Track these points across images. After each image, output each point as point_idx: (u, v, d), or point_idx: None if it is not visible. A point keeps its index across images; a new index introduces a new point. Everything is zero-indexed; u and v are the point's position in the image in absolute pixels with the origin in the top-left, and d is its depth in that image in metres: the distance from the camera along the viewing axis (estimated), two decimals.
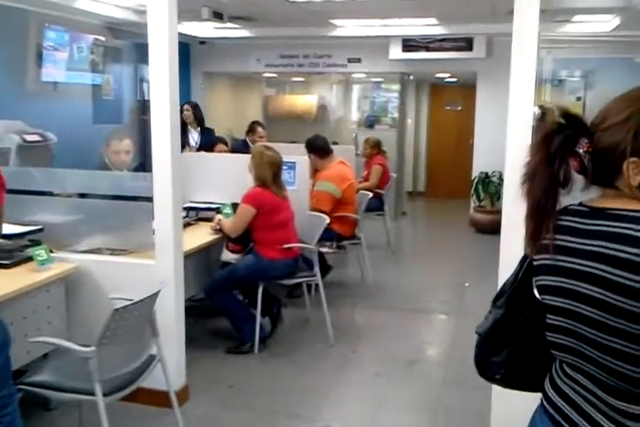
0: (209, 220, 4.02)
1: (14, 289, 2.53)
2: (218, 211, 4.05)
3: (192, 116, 6.01)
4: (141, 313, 2.35)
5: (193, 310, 3.77)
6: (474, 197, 7.61)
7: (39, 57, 5.41)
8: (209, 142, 5.69)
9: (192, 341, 3.31)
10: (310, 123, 9.47)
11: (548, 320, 1.12)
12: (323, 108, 9.82)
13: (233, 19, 6.35)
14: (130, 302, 2.24)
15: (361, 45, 7.66)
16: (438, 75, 8.97)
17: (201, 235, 3.79)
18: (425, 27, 6.87)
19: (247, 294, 3.93)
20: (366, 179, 6.43)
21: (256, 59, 8.12)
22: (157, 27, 2.78)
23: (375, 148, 6.64)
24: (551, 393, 1.14)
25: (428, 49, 7.32)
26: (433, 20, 6.60)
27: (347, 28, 6.99)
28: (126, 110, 6.78)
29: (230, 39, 7.62)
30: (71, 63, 5.76)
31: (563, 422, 1.09)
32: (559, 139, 1.06)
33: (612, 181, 1.07)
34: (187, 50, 7.92)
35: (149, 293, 2.37)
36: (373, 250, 5.57)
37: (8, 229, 2.81)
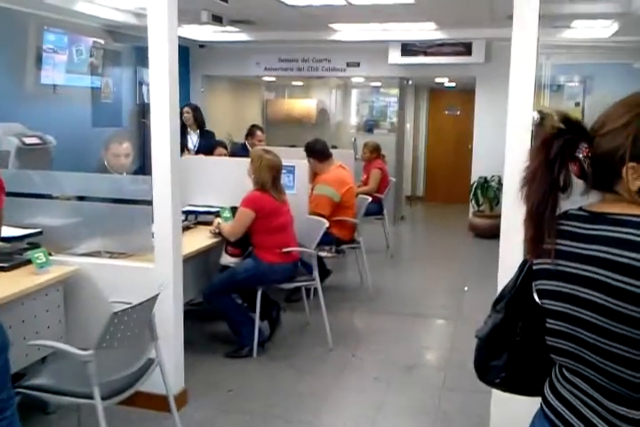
0: (208, 223, 4.02)
1: (13, 292, 2.52)
2: (217, 214, 4.05)
3: (192, 119, 6.01)
4: (140, 317, 2.35)
5: (192, 314, 3.77)
6: (473, 201, 7.62)
7: (38, 59, 5.42)
8: (209, 145, 5.69)
9: (190, 345, 3.30)
10: (309, 127, 9.48)
11: (547, 325, 1.12)
12: (322, 112, 9.83)
13: (232, 22, 6.36)
14: (129, 306, 2.24)
15: (360, 50, 7.68)
16: (437, 79, 8.99)
17: (200, 238, 3.79)
18: (424, 31, 6.89)
19: (246, 297, 3.93)
20: (365, 183, 6.44)
21: (255, 62, 8.13)
22: (157, 30, 2.78)
23: (374, 152, 6.65)
24: (551, 398, 1.15)
25: (426, 54, 7.34)
26: (432, 25, 6.63)
27: (346, 32, 7.01)
28: (126, 113, 6.79)
29: (230, 43, 7.64)
30: (70, 66, 5.77)
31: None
32: (559, 143, 1.07)
33: (612, 185, 1.07)
34: (186, 53, 7.94)
35: (148, 296, 2.37)
36: (372, 254, 5.57)
37: (7, 231, 2.81)
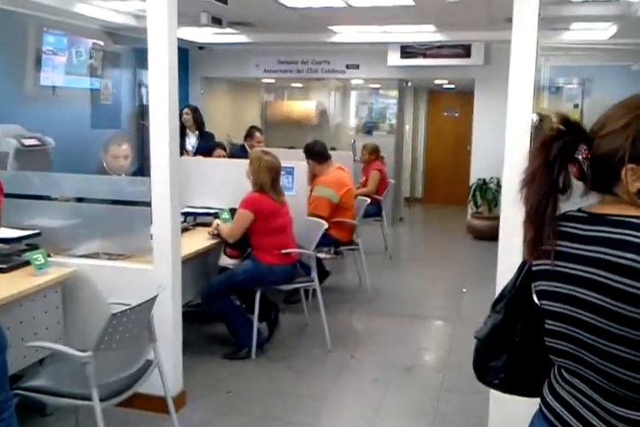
0: (207, 225, 4.02)
1: (11, 293, 2.52)
2: (216, 216, 4.05)
3: (191, 120, 6.01)
4: (139, 318, 2.34)
5: (190, 316, 3.76)
6: (471, 203, 7.62)
7: (38, 61, 5.42)
8: (207, 147, 5.68)
9: (189, 346, 3.30)
10: (308, 128, 9.48)
11: (546, 325, 1.13)
12: (321, 113, 9.84)
13: (232, 24, 6.36)
14: (127, 307, 2.24)
15: (359, 52, 7.69)
16: (436, 81, 9.00)
17: (199, 240, 3.79)
18: (423, 33, 6.90)
19: (244, 299, 3.92)
20: (364, 185, 6.44)
21: (255, 64, 8.14)
22: (157, 32, 2.78)
23: (373, 153, 6.66)
24: (549, 398, 1.15)
25: (425, 56, 7.35)
26: (431, 27, 6.64)
27: (345, 34, 7.02)
28: (125, 115, 6.79)
29: (229, 45, 7.64)
30: (70, 67, 5.77)
31: None
32: (558, 145, 1.07)
33: (611, 187, 1.08)
34: (185, 55, 7.94)
35: (147, 298, 2.37)
36: (371, 256, 5.57)
37: (5, 233, 2.82)
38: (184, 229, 3.70)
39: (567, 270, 1.07)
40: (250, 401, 3.17)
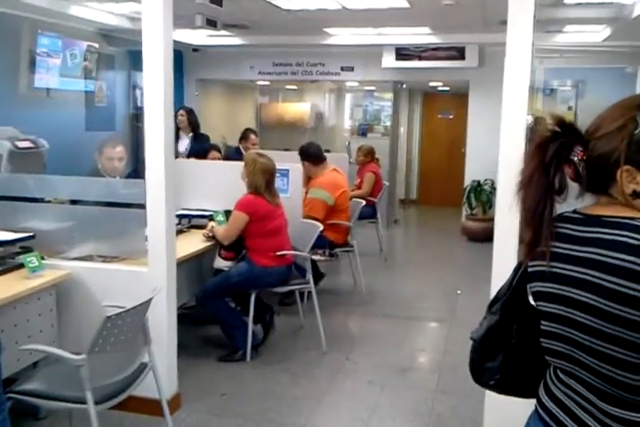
0: (202, 227, 4.01)
1: (5, 296, 2.51)
2: (211, 218, 4.04)
3: (186, 122, 5.99)
4: (134, 321, 2.33)
5: (185, 318, 3.76)
6: (466, 205, 7.64)
7: (32, 63, 5.41)
8: (201, 149, 5.67)
9: (184, 348, 3.29)
10: (303, 130, 9.49)
11: (542, 326, 1.13)
12: (316, 115, 9.85)
13: (227, 26, 6.37)
14: (122, 310, 2.23)
15: (354, 54, 7.71)
16: (431, 83, 9.02)
17: (193, 242, 3.78)
18: (418, 36, 6.93)
19: (239, 301, 3.92)
20: (359, 187, 6.45)
21: (250, 66, 8.14)
22: (152, 34, 2.78)
23: (368, 155, 6.67)
24: (545, 399, 1.15)
25: (420, 58, 7.37)
26: (426, 30, 6.66)
27: (340, 36, 7.03)
28: (119, 117, 6.78)
29: (224, 47, 7.64)
30: (64, 70, 5.76)
31: None
32: (554, 146, 1.07)
33: (606, 188, 1.08)
34: (180, 57, 7.94)
35: (141, 300, 2.36)
36: (366, 257, 5.57)
37: None
38: (179, 232, 3.70)
39: (563, 271, 1.07)
40: (245, 404, 3.16)
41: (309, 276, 3.85)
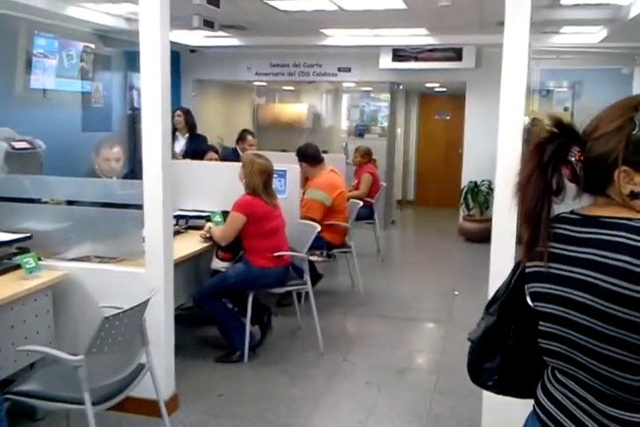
0: (199, 228, 4.01)
1: (2, 297, 2.50)
2: (208, 219, 4.04)
3: (183, 122, 5.96)
4: (131, 321, 2.33)
5: (182, 319, 3.75)
6: (463, 205, 7.65)
7: (28, 64, 5.39)
8: (198, 150, 5.64)
9: (181, 349, 3.29)
10: (300, 131, 9.49)
11: (540, 327, 1.13)
12: (313, 116, 9.85)
13: (224, 27, 6.37)
14: (120, 311, 2.23)
15: (351, 55, 7.71)
16: (428, 84, 9.03)
17: (191, 243, 3.77)
18: (415, 37, 6.94)
19: (237, 302, 3.91)
20: (356, 187, 6.46)
21: (247, 67, 8.14)
22: (149, 35, 2.78)
23: (365, 156, 6.68)
24: (543, 399, 1.15)
25: (417, 59, 7.38)
26: (423, 31, 6.67)
27: (337, 37, 7.04)
28: (116, 118, 6.77)
29: (221, 48, 7.64)
30: (61, 70, 5.75)
31: None
32: (552, 147, 1.08)
33: (604, 189, 1.08)
34: (177, 58, 7.93)
35: (138, 301, 2.35)
36: (363, 258, 5.58)
37: None
38: (176, 233, 3.69)
39: (560, 272, 1.07)
40: (242, 404, 3.16)
41: (307, 277, 3.85)
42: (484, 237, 5.79)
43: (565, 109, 7.27)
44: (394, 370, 3.63)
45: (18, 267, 2.80)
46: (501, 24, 2.45)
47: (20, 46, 5.34)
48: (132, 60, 6.35)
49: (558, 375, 1.12)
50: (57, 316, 2.90)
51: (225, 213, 3.86)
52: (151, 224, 2.89)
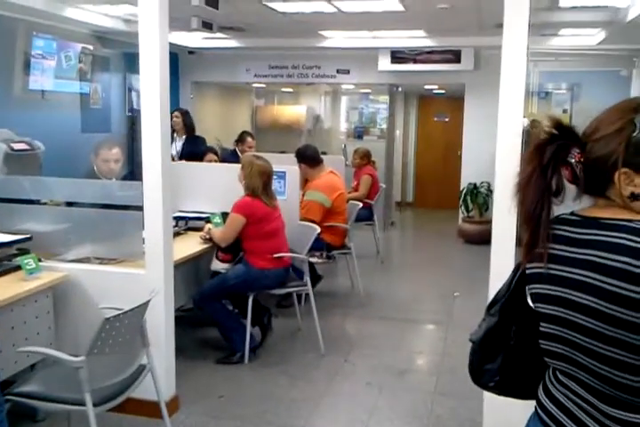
0: (198, 229, 4.01)
1: (2, 298, 2.50)
2: (207, 220, 4.04)
3: (181, 124, 5.95)
4: (132, 323, 2.33)
5: (182, 320, 3.75)
6: (462, 207, 7.66)
7: (27, 65, 5.39)
8: (196, 151, 5.63)
9: (181, 351, 3.29)
10: (299, 133, 9.50)
11: (541, 328, 1.13)
12: (311, 118, 9.86)
13: (222, 29, 6.37)
14: (120, 312, 2.23)
15: (350, 57, 7.72)
16: (426, 86, 9.05)
17: (190, 244, 3.78)
18: (413, 39, 6.94)
19: (237, 303, 3.91)
20: (356, 189, 6.46)
21: (245, 69, 8.14)
22: (148, 36, 2.78)
23: (364, 158, 6.68)
24: (545, 401, 1.15)
25: (416, 61, 7.39)
26: (421, 33, 6.68)
27: (336, 39, 7.04)
28: (115, 119, 6.77)
29: (219, 49, 7.64)
30: (59, 72, 5.75)
31: None
32: (551, 149, 1.08)
33: (604, 190, 1.09)
34: (175, 59, 7.93)
35: (139, 302, 2.36)
36: (363, 260, 5.58)
37: None
38: (176, 234, 3.69)
39: (561, 273, 1.08)
40: (243, 406, 3.16)
41: (307, 278, 3.86)
42: (483, 239, 5.80)
43: (564, 111, 7.28)
44: (394, 371, 3.63)
45: (18, 268, 2.80)
46: (500, 26, 2.46)
47: (19, 47, 5.34)
48: (130, 62, 6.35)
49: (559, 376, 1.13)
50: (57, 317, 2.91)
51: (225, 215, 3.87)
52: (151, 225, 2.89)
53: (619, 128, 1.05)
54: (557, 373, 1.14)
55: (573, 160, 1.09)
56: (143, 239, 2.94)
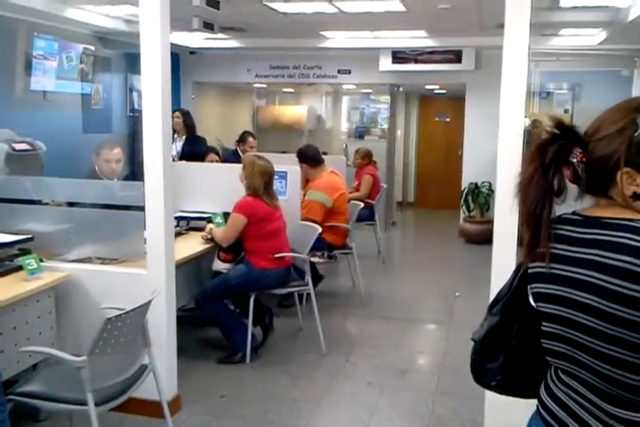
0: (200, 229, 4.01)
1: (4, 299, 2.51)
2: (209, 220, 4.05)
3: (181, 124, 5.95)
4: (133, 322, 2.34)
5: (184, 320, 3.75)
6: (463, 207, 7.66)
7: (28, 66, 5.40)
8: (198, 151, 5.63)
9: (183, 351, 3.29)
10: (300, 133, 9.51)
11: (542, 327, 1.13)
12: (312, 118, 9.86)
13: (224, 29, 6.37)
14: (122, 312, 2.23)
15: (351, 57, 7.72)
16: (427, 86, 9.05)
17: (192, 244, 3.78)
18: (414, 39, 6.95)
19: (238, 303, 3.92)
20: (357, 189, 6.47)
21: (246, 69, 8.15)
22: (150, 37, 2.78)
23: (366, 158, 6.68)
24: (546, 400, 1.15)
25: (417, 61, 7.39)
26: (422, 33, 6.68)
27: (337, 39, 7.05)
28: (116, 119, 6.77)
29: (221, 49, 7.65)
30: (60, 72, 5.76)
31: None
32: (553, 149, 1.08)
33: (606, 190, 1.09)
34: (177, 60, 7.92)
35: (140, 302, 2.36)
36: (364, 260, 5.58)
37: None
38: (177, 234, 3.69)
39: (563, 273, 1.08)
40: (244, 406, 3.16)
41: (308, 278, 3.86)
42: (484, 239, 5.81)
43: (565, 111, 7.28)
44: (396, 371, 3.64)
45: (20, 268, 2.81)
46: (501, 26, 2.46)
47: (20, 48, 5.35)
48: (131, 62, 6.36)
49: (561, 375, 1.13)
50: (59, 317, 2.91)
51: (226, 215, 3.87)
52: (152, 226, 2.90)
53: (621, 128, 1.05)
54: (559, 372, 1.14)
55: (575, 160, 1.09)
56: (145, 239, 2.95)
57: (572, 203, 1.14)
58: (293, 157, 4.98)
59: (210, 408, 3.11)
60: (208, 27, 5.72)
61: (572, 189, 1.13)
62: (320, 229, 4.03)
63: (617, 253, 0.99)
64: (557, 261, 1.09)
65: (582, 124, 1.13)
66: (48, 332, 2.83)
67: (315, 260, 4.59)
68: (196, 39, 7.27)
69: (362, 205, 5.42)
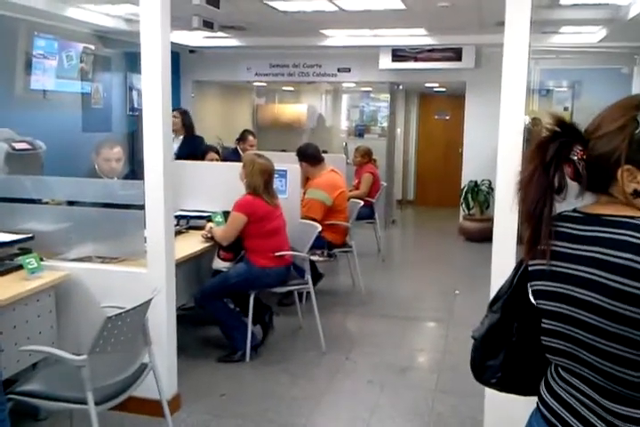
0: (200, 228, 4.01)
1: (5, 298, 2.51)
2: (209, 219, 4.05)
3: (180, 123, 5.88)
4: (133, 321, 2.34)
5: (184, 319, 3.76)
6: (463, 205, 7.66)
7: (28, 65, 5.40)
8: (196, 151, 5.60)
9: (183, 349, 3.29)
10: (300, 132, 9.51)
11: (543, 325, 1.13)
12: (312, 117, 9.86)
13: (223, 28, 6.37)
14: (122, 310, 2.23)
15: (351, 55, 7.72)
16: (427, 84, 9.04)
17: (192, 243, 3.78)
18: (414, 37, 6.95)
19: (238, 302, 3.92)
20: (357, 187, 6.47)
21: (246, 68, 8.15)
22: (150, 36, 2.78)
23: (365, 156, 6.68)
24: (547, 397, 1.15)
25: (417, 59, 7.39)
26: (422, 31, 6.68)
27: (337, 37, 7.05)
28: (116, 118, 6.77)
29: (220, 48, 7.65)
30: (60, 71, 5.75)
31: (559, 426, 1.10)
32: (554, 146, 1.08)
33: (607, 187, 1.09)
34: (177, 58, 7.92)
35: (140, 301, 2.36)
36: (364, 258, 5.59)
37: None
38: (177, 233, 3.69)
39: (564, 270, 1.08)
40: (244, 404, 3.17)
41: (308, 276, 3.86)
42: (484, 237, 5.80)
43: (565, 109, 7.28)
44: (396, 369, 3.64)
45: (20, 267, 2.81)
46: (501, 24, 2.46)
47: (20, 47, 5.34)
48: (131, 61, 6.36)
49: (562, 373, 1.13)
50: (59, 316, 2.91)
51: (226, 214, 3.87)
52: (153, 224, 2.90)
53: (621, 125, 1.05)
54: (559, 369, 1.14)
55: (576, 157, 1.09)
56: (145, 238, 2.95)
57: (572, 200, 1.14)
58: (293, 155, 4.98)
59: (210, 407, 3.11)
60: (208, 25, 5.72)
61: (573, 186, 1.13)
62: (320, 228, 4.03)
63: (618, 251, 0.99)
64: (558, 259, 1.09)
65: (582, 121, 1.13)
66: (48, 331, 2.83)
67: (314, 258, 4.58)
68: (195, 38, 7.27)
69: (361, 203, 5.42)
